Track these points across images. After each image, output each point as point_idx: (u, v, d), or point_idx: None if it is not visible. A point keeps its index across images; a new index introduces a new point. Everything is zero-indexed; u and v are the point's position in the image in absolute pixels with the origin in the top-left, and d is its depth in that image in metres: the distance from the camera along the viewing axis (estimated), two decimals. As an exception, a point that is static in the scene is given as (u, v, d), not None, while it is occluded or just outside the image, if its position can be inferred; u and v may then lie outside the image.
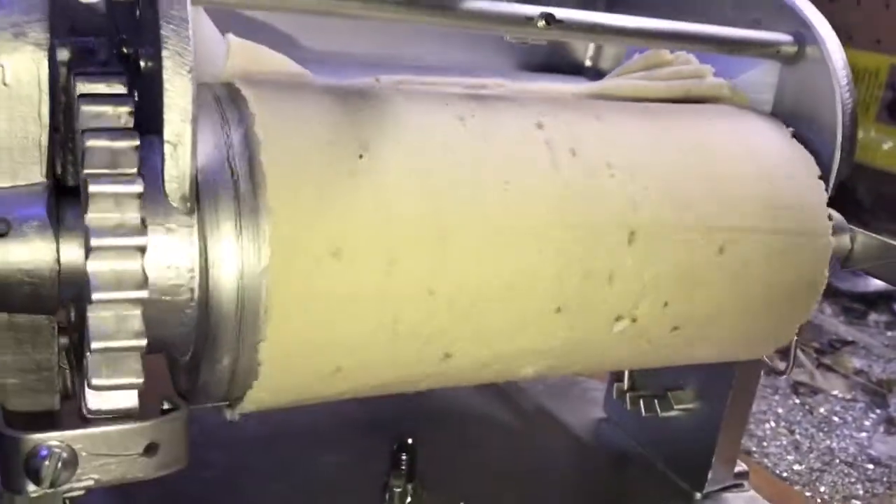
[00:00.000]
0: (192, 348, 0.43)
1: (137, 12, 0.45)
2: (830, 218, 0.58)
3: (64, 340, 0.46)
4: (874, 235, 0.61)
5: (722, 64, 0.62)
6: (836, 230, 0.58)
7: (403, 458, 0.63)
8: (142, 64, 0.44)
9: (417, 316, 0.44)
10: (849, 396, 1.08)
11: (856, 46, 1.44)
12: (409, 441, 0.64)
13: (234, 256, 0.40)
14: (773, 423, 0.99)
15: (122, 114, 0.39)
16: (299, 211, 0.41)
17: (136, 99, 0.45)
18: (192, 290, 0.40)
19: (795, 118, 0.60)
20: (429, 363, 0.46)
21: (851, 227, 0.61)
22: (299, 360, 0.43)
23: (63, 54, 0.48)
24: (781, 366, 0.65)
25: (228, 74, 0.46)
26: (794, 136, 0.58)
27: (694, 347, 0.56)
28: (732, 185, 0.53)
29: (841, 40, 0.60)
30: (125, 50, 0.50)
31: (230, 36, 0.47)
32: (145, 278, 0.38)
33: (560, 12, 0.50)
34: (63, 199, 0.41)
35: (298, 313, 0.41)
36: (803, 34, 0.59)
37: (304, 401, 0.46)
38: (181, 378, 0.45)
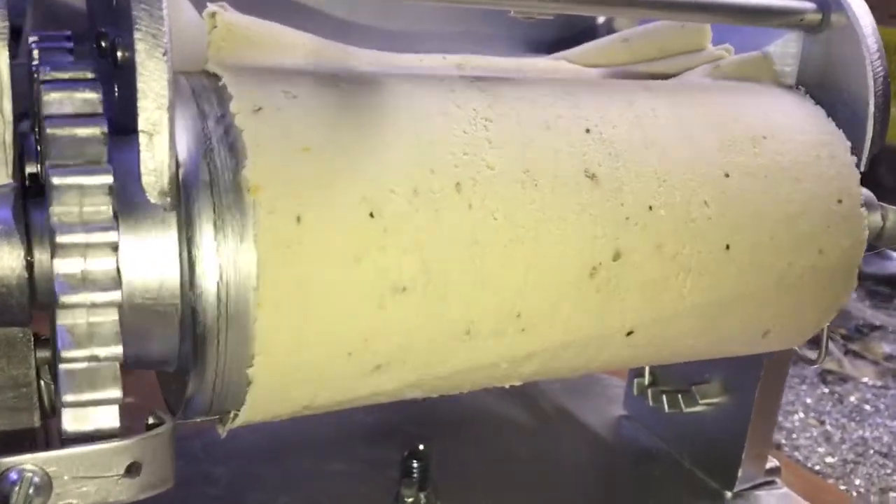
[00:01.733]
0: (177, 358, 0.39)
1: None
2: (862, 195, 0.54)
3: (44, 354, 0.43)
4: (906, 212, 0.57)
5: (741, 36, 0.58)
6: (868, 208, 0.54)
7: (415, 465, 0.60)
8: (119, 55, 0.41)
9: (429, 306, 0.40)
10: (879, 383, 1.04)
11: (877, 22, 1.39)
12: (421, 447, 0.61)
13: (218, 256, 0.37)
14: (801, 414, 0.95)
15: (89, 99, 0.36)
16: (286, 207, 0.37)
17: (116, 95, 0.42)
18: (174, 292, 0.37)
19: (822, 90, 0.56)
20: (449, 352, 0.43)
21: (882, 203, 0.57)
22: (297, 361, 0.39)
23: (34, 47, 0.45)
24: (811, 355, 0.61)
25: (211, 58, 0.42)
26: (822, 108, 0.55)
27: (722, 339, 0.52)
28: (755, 166, 0.49)
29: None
30: (103, 43, 0.47)
31: (213, 6, 0.43)
32: (119, 278, 0.35)
33: (567, -17, 0.47)
34: (32, 201, 0.38)
35: (292, 312, 0.38)
36: (828, 1, 0.55)
37: (308, 409, 0.42)
38: (170, 390, 0.42)
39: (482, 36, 0.64)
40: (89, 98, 0.36)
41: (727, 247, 0.48)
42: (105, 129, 0.35)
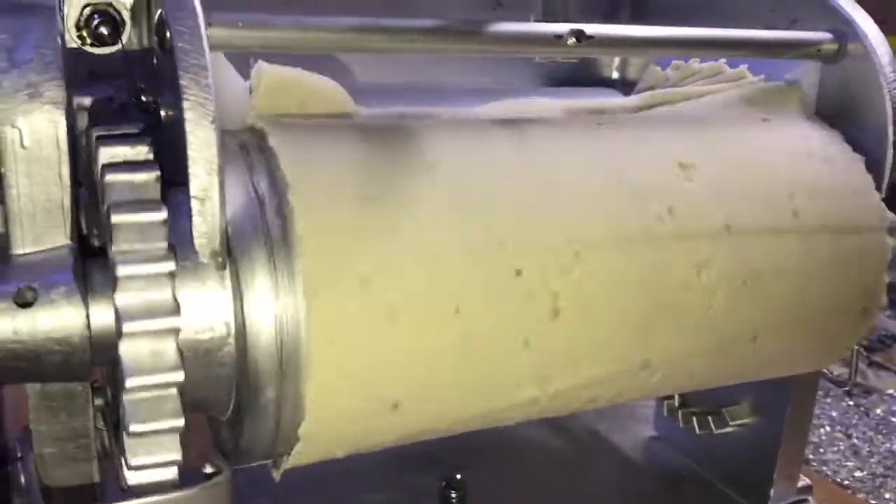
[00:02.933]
0: (232, 406, 0.41)
1: (155, 60, 0.44)
2: (886, 219, 0.55)
3: (99, 402, 0.44)
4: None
5: (759, 68, 0.59)
6: (890, 230, 0.55)
7: (453, 496, 0.61)
8: (162, 113, 0.43)
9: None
10: (904, 394, 1.05)
11: (889, 31, 1.40)
12: (458, 477, 0.62)
13: (270, 307, 0.39)
14: (828, 428, 0.96)
15: (148, 182, 0.37)
16: (333, 254, 0.39)
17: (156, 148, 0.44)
18: (229, 348, 0.39)
19: (840, 118, 0.57)
20: (502, 392, 0.44)
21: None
22: (348, 404, 0.41)
23: (82, 106, 0.47)
24: (840, 374, 0.62)
25: (255, 114, 0.44)
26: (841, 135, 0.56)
27: (746, 364, 0.53)
28: (779, 192, 0.51)
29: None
30: (144, 98, 0.48)
31: (261, 63, 0.45)
32: (177, 305, 0.36)
33: (590, 28, 0.48)
34: (90, 260, 0.40)
35: (341, 357, 0.39)
36: (844, 31, 0.56)
37: (359, 449, 0.44)
38: (223, 437, 0.44)
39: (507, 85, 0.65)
40: (149, 181, 0.37)
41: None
42: (165, 216, 0.37)
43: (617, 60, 0.70)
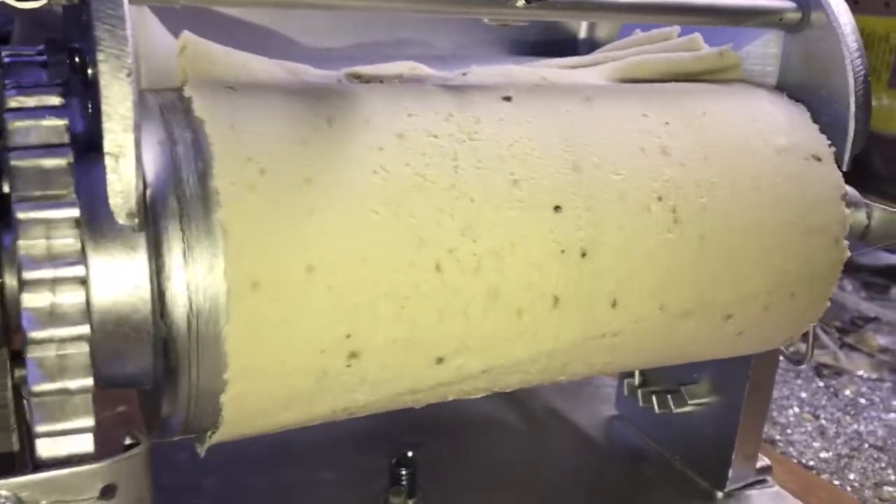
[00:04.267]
0: (152, 378, 0.39)
1: (84, 15, 0.42)
2: (845, 194, 0.53)
3: (22, 373, 0.43)
4: (891, 209, 0.57)
5: (720, 36, 0.57)
6: (851, 205, 0.54)
7: (403, 473, 0.60)
8: (89, 71, 0.41)
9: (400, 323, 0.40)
10: (875, 376, 1.04)
11: (863, 11, 1.39)
12: (409, 454, 0.61)
13: (188, 275, 0.37)
14: (796, 409, 0.95)
15: (54, 127, 0.36)
16: (254, 223, 0.37)
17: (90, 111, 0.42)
18: (145, 315, 0.37)
19: (803, 90, 0.56)
20: (421, 373, 0.43)
21: (867, 201, 0.57)
22: (270, 380, 0.39)
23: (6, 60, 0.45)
24: (801, 349, 0.61)
25: (180, 76, 0.42)
26: (805, 107, 0.55)
27: (700, 343, 0.52)
28: (733, 171, 0.49)
29: (848, 3, 0.55)
30: (76, 59, 0.46)
31: (185, 33, 0.43)
32: (88, 311, 0.34)
33: (540, -11, 0.46)
34: (5, 221, 0.38)
35: (263, 331, 0.38)
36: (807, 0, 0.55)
37: (284, 426, 0.42)
38: (146, 409, 0.42)
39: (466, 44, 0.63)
40: (55, 126, 0.35)
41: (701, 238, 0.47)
42: (71, 160, 0.35)
43: (585, 24, 0.68)
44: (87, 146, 0.38)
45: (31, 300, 0.34)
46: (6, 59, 0.41)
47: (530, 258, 0.43)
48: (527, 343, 0.44)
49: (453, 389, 0.45)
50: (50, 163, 0.35)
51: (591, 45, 0.67)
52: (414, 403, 0.45)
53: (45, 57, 0.47)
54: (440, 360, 0.42)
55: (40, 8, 0.45)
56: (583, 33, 0.68)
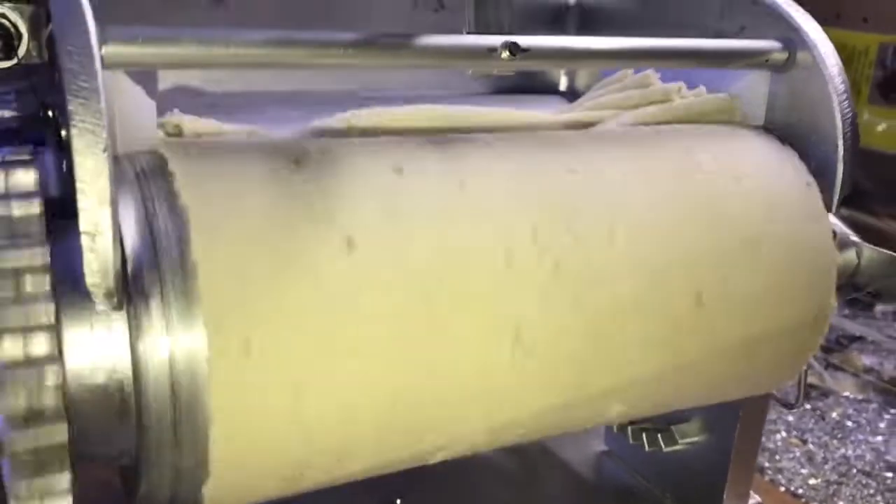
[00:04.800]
0: (132, 455, 0.38)
1: (56, 75, 0.41)
2: (835, 235, 0.53)
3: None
4: (882, 250, 0.56)
5: (706, 77, 0.57)
6: (841, 246, 0.54)
7: (392, 523, 0.58)
8: (63, 133, 0.39)
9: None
10: (861, 397, 1.04)
11: (844, 26, 1.39)
12: (398, 502, 0.60)
13: (167, 352, 0.36)
14: (784, 433, 0.95)
15: (27, 217, 0.34)
16: (235, 297, 0.36)
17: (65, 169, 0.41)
18: (122, 394, 0.36)
19: (791, 130, 0.55)
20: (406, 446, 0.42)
21: (856, 241, 0.56)
22: (254, 458, 0.38)
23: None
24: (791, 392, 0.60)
25: (157, 138, 0.41)
26: (790, 147, 0.54)
27: (686, 393, 0.51)
28: (721, 217, 0.48)
29: (829, 18, 0.55)
30: (50, 113, 0.45)
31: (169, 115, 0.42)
32: (64, 406, 0.33)
33: (524, 40, 0.45)
34: None
35: (245, 409, 0.37)
36: (793, 40, 0.54)
37: (269, 498, 0.41)
38: (127, 483, 0.41)
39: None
40: (24, 181, 0.34)
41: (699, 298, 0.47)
42: (41, 210, 0.34)
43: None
44: (62, 210, 0.37)
45: (5, 408, 0.33)
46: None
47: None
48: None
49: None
50: (21, 260, 0.33)
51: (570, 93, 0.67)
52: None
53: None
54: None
55: (10, 69, 0.44)
56: (563, 80, 0.67)
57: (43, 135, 0.43)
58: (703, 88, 0.56)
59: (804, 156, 0.54)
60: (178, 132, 0.41)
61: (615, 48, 0.49)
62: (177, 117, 0.42)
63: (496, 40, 0.45)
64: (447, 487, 0.69)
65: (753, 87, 0.56)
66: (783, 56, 0.54)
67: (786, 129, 0.55)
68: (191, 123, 0.41)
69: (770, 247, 0.49)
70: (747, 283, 0.48)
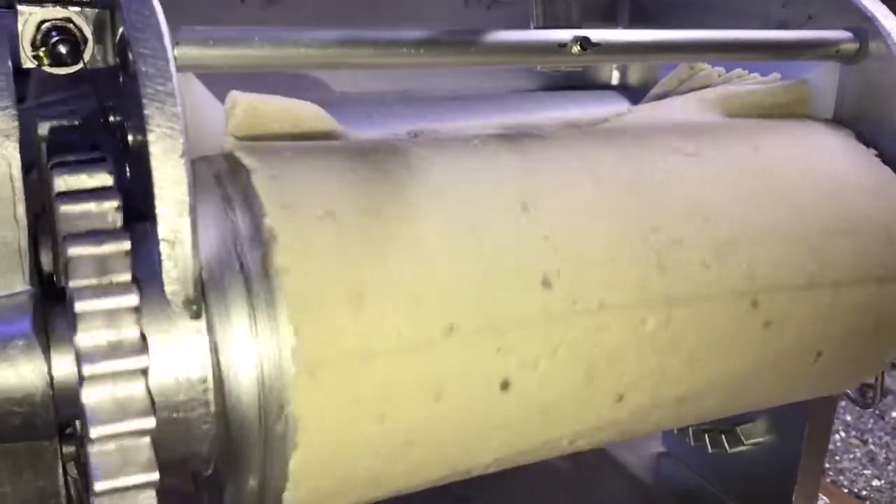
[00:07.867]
0: (213, 464, 0.37)
1: (121, 79, 0.40)
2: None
3: (70, 449, 0.41)
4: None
5: (771, 70, 0.55)
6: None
7: (456, 529, 0.58)
8: (130, 137, 0.39)
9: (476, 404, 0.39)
10: (921, 396, 1.01)
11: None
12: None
13: (252, 359, 0.35)
14: (842, 434, 0.93)
15: (107, 211, 0.34)
16: (322, 300, 0.35)
17: (128, 176, 0.40)
18: (206, 402, 0.35)
19: (861, 122, 0.54)
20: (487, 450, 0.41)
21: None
22: (340, 463, 0.37)
23: (42, 130, 0.43)
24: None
25: (231, 141, 0.40)
26: (860, 141, 0.52)
27: (759, 392, 0.50)
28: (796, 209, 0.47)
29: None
30: (112, 118, 0.45)
31: (233, 92, 0.41)
32: (152, 403, 0.33)
33: (595, 34, 0.44)
34: (54, 305, 0.36)
35: (332, 414, 0.36)
36: (864, 29, 0.53)
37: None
38: (205, 496, 0.40)
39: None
40: (109, 209, 0.34)
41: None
42: (128, 247, 0.33)
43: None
44: (132, 214, 0.36)
45: (93, 396, 0.32)
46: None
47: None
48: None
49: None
50: (106, 250, 0.33)
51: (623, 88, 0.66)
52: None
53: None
54: None
55: (77, 72, 0.43)
56: (615, 78, 0.66)
57: (98, 140, 0.43)
58: (777, 75, 0.55)
59: (876, 149, 0.52)
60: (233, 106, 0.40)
61: (685, 41, 0.48)
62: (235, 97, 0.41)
63: (566, 35, 0.44)
64: (508, 490, 0.68)
65: (822, 79, 0.55)
66: (854, 46, 0.53)
67: (854, 122, 0.54)
68: (248, 100, 0.40)
69: (851, 245, 0.47)
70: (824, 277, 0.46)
